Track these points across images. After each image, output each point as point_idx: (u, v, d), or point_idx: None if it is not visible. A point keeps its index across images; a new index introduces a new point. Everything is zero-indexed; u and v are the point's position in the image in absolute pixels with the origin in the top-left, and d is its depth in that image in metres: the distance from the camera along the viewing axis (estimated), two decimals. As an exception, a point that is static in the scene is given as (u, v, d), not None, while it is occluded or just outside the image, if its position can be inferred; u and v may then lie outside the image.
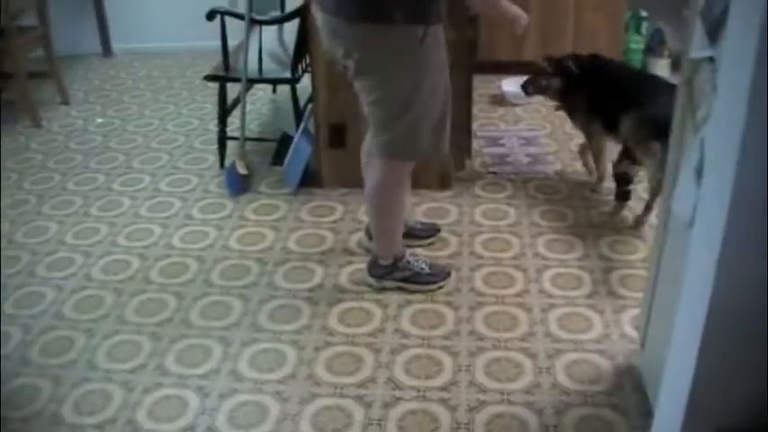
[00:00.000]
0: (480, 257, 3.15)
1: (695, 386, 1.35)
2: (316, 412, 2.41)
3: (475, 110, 4.37)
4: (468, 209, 3.53)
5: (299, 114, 3.92)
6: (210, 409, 2.45)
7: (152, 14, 5.91)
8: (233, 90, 3.99)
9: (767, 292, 1.26)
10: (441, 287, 2.97)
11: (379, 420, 2.36)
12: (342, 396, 2.47)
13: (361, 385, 2.51)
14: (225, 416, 2.42)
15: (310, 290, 3.02)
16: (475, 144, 4.07)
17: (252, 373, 2.60)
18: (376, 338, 2.73)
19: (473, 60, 3.60)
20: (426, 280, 2.96)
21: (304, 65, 3.88)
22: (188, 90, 5.24)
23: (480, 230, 3.34)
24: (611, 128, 3.30)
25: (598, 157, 3.59)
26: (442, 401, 2.42)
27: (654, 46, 4.94)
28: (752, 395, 1.34)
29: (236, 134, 3.94)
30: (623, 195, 3.35)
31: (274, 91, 4.99)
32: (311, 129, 3.71)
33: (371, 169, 2.83)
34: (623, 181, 3.31)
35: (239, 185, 3.77)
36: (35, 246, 3.44)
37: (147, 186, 3.91)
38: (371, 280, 3.00)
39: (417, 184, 3.63)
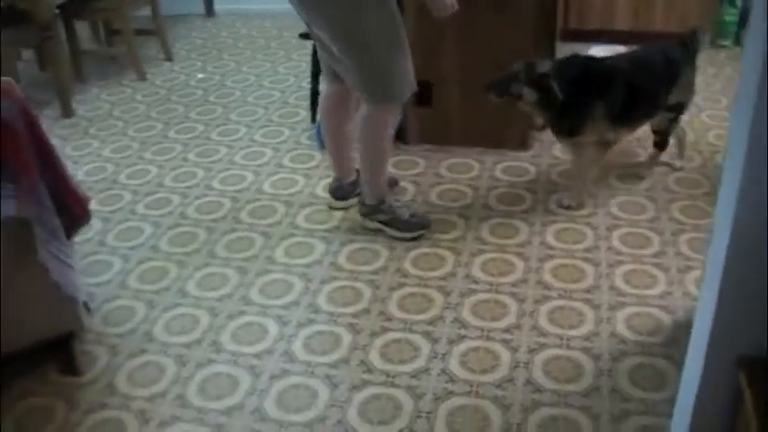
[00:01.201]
0: (554, 214, 3.25)
1: (717, 316, 1.44)
2: (385, 344, 2.59)
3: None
4: (545, 168, 3.62)
5: (387, 73, 4.07)
6: (288, 335, 2.65)
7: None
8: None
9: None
10: (415, 238, 3.13)
11: (443, 355, 2.52)
12: (411, 331, 2.64)
13: (430, 323, 2.67)
14: (301, 342, 2.61)
15: (390, 236, 3.17)
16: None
17: (329, 306, 2.79)
18: (447, 282, 2.88)
19: (554, 25, 3.65)
20: (404, 227, 3.14)
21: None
22: (285, 50, 5.45)
23: (555, 189, 3.44)
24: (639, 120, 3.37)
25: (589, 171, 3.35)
26: (504, 342, 2.56)
27: (748, 18, 4.88)
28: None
29: (327, 90, 4.12)
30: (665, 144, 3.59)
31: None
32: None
33: (360, 115, 3.04)
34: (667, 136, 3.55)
35: (327, 139, 3.96)
36: (136, 186, 3.71)
37: (242, 137, 4.13)
38: (359, 217, 3.22)
39: (498, 143, 3.77)
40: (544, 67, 3.09)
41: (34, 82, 4.99)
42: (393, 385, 2.41)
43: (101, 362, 2.60)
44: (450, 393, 2.36)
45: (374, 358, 2.53)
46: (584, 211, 3.26)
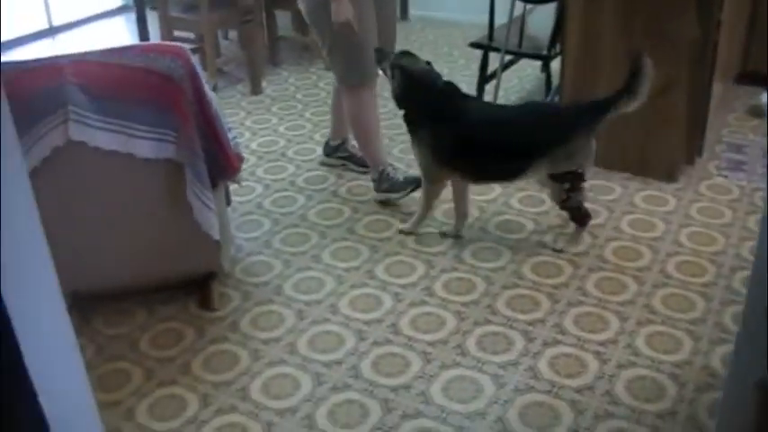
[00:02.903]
0: (681, 246, 3.29)
1: (740, 338, 1.51)
2: (484, 334, 2.77)
3: (730, 117, 4.45)
4: (686, 203, 3.64)
5: (548, 89, 4.22)
6: (399, 311, 2.89)
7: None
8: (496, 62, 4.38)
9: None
10: (408, 193, 3.59)
11: (535, 354, 2.67)
12: (511, 328, 2.80)
13: (530, 323, 2.83)
14: (409, 318, 2.85)
15: (516, 240, 3.35)
16: (717, 148, 4.14)
17: (443, 292, 3.00)
18: (558, 290, 3.01)
19: (714, 65, 3.66)
20: (400, 187, 3.60)
21: (559, 46, 4.16)
22: (465, 59, 5.69)
23: (689, 223, 3.46)
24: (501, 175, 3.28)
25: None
26: (597, 353, 2.67)
27: None
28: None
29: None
30: (585, 219, 3.28)
31: (543, 70, 5.28)
32: (556, 104, 4.00)
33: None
34: (580, 209, 3.23)
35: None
36: (300, 162, 4.09)
37: (397, 135, 4.40)
38: (374, 193, 3.69)
39: (644, 171, 3.83)
40: (403, 59, 3.25)
41: (234, 59, 5.52)
42: (481, 371, 2.59)
43: (233, 303, 2.96)
44: (532, 389, 2.52)
45: (470, 345, 2.72)
46: (712, 248, 3.28)
